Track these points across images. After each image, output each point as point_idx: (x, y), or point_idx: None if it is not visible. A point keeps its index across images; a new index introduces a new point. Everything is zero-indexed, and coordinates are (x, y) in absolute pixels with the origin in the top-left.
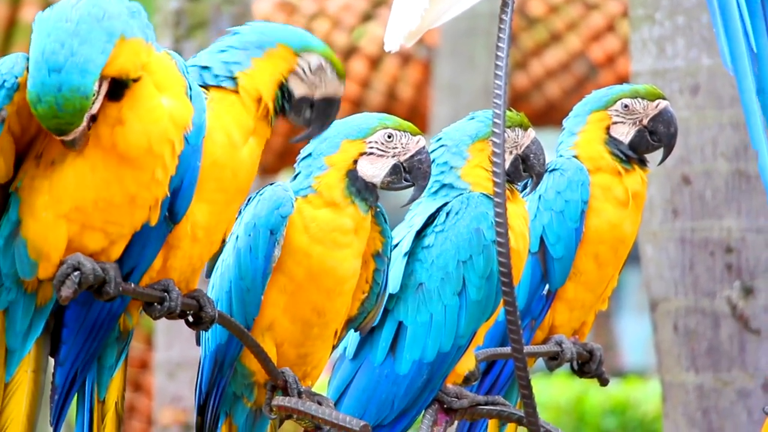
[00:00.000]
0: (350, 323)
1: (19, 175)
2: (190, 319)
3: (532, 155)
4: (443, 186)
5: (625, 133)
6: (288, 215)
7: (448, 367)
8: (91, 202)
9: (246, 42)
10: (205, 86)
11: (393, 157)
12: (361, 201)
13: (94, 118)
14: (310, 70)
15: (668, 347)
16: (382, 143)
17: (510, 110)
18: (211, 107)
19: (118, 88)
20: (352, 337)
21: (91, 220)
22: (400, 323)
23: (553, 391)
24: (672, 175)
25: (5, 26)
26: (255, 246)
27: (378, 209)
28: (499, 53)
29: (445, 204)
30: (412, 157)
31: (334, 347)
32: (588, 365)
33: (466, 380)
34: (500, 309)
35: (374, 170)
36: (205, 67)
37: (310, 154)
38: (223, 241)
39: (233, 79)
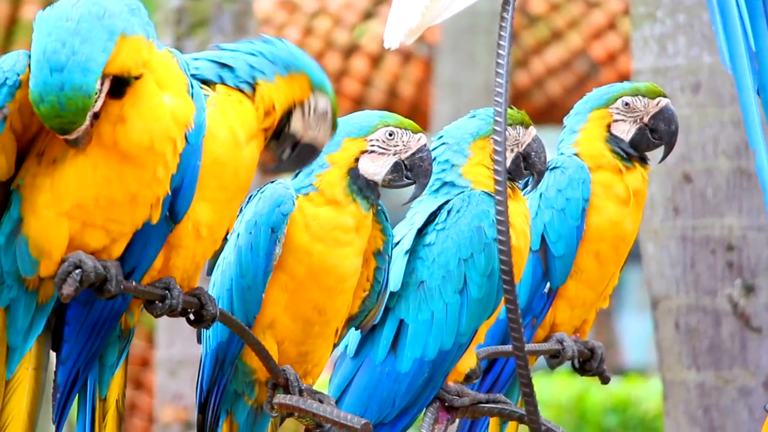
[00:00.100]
0: (351, 321)
1: (20, 173)
2: (192, 317)
3: (533, 153)
4: (444, 184)
5: (626, 131)
6: (289, 213)
7: (450, 366)
8: (92, 200)
9: (276, 56)
10: (215, 83)
11: (394, 155)
12: (363, 199)
13: (96, 116)
14: (315, 111)
15: (669, 345)
16: (384, 141)
17: (511, 108)
18: (216, 103)
19: (119, 86)
20: (354, 335)
21: (92, 218)
22: (402, 321)
23: (554, 389)
24: (673, 173)
25: (6, 24)
26: (256, 244)
27: (379, 207)
28: (500, 51)
29: (447, 202)
30: (413, 155)
31: (335, 345)
32: (589, 363)
33: (468, 378)
34: (501, 307)
35: (375, 168)
36: (226, 66)
37: None
38: (224, 239)
39: (252, 85)
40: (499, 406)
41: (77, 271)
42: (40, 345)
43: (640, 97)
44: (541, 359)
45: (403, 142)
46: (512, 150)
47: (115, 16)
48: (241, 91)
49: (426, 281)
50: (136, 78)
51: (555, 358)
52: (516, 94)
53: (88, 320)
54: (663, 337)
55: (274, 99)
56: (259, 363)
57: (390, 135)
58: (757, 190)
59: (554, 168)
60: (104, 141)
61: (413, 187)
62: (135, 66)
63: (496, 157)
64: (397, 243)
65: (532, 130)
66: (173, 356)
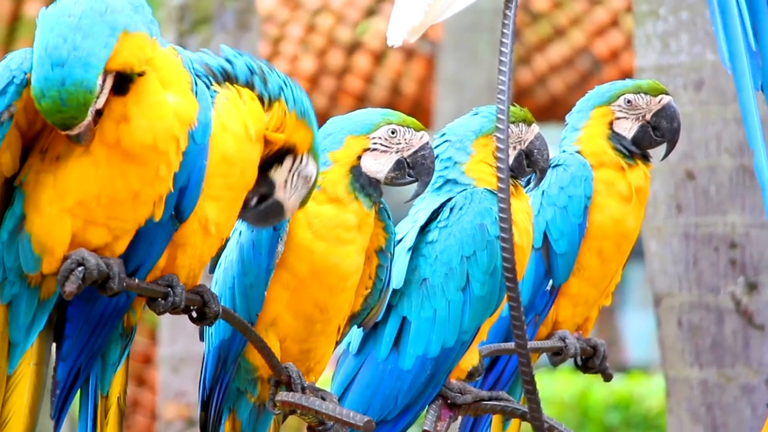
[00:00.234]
0: (354, 319)
1: (23, 170)
2: (194, 314)
3: (535, 150)
4: (447, 181)
5: (628, 129)
6: None
7: (452, 363)
8: (94, 198)
9: (300, 98)
10: (230, 82)
11: (396, 152)
12: (365, 197)
13: (99, 113)
14: (301, 171)
15: (672, 343)
16: (386, 139)
17: (514, 105)
18: (229, 97)
19: (123, 83)
20: (356, 333)
21: (94, 215)
22: (404, 319)
23: (557, 386)
24: (676, 170)
25: (9, 22)
26: (258, 242)
27: (381, 205)
28: (503, 49)
29: (449, 199)
30: (415, 152)
31: (338, 343)
32: (592, 360)
33: (470, 376)
34: (504, 304)
35: (378, 166)
36: (255, 73)
37: None
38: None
39: (271, 100)
40: (501, 403)
41: (80, 268)
42: (41, 341)
43: (643, 95)
44: (544, 357)
45: (405, 139)
46: (515, 147)
47: (118, 12)
48: (260, 99)
49: (429, 279)
50: (139, 75)
51: (557, 356)
52: (518, 92)
53: (90, 317)
54: (666, 335)
55: (286, 124)
56: (261, 360)
57: (392, 133)
58: (759, 188)
59: (557, 165)
60: (107, 139)
61: (415, 184)
62: (137, 62)
63: (499, 155)
64: (400, 240)
65: (535, 128)
66: (176, 353)
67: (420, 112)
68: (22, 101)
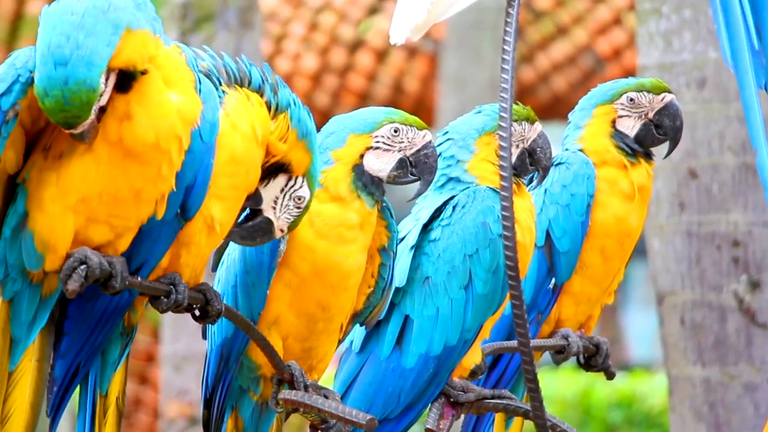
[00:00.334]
0: (356, 318)
1: (26, 167)
2: (197, 312)
3: (538, 149)
4: (450, 179)
5: (630, 127)
6: None
7: (455, 361)
8: (96, 196)
9: (304, 120)
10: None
11: (399, 151)
12: (368, 195)
13: (102, 110)
14: (294, 191)
15: (675, 341)
16: (389, 138)
17: (517, 104)
18: (238, 98)
19: (126, 80)
20: (359, 331)
21: (96, 213)
22: (407, 317)
23: (559, 384)
24: (679, 168)
25: (11, 20)
26: None
27: (384, 204)
28: (505, 47)
29: (452, 197)
30: (418, 151)
31: (340, 341)
32: (594, 359)
33: (473, 374)
34: (507, 303)
35: (380, 164)
36: (267, 82)
37: None
38: None
39: (278, 110)
40: (504, 401)
41: (82, 266)
42: (43, 337)
43: (645, 93)
44: (546, 355)
45: (408, 138)
46: (517, 146)
47: (120, 10)
48: (267, 106)
49: (431, 277)
50: (143, 73)
51: (560, 354)
52: (521, 90)
53: (91, 315)
54: (668, 333)
55: (288, 136)
56: (264, 358)
57: (395, 132)
58: (762, 186)
59: (559, 164)
60: (110, 137)
61: (418, 183)
62: (141, 60)
63: (502, 153)
64: (402, 239)
65: (538, 126)
66: (178, 351)
67: (423, 110)
68: (27, 99)
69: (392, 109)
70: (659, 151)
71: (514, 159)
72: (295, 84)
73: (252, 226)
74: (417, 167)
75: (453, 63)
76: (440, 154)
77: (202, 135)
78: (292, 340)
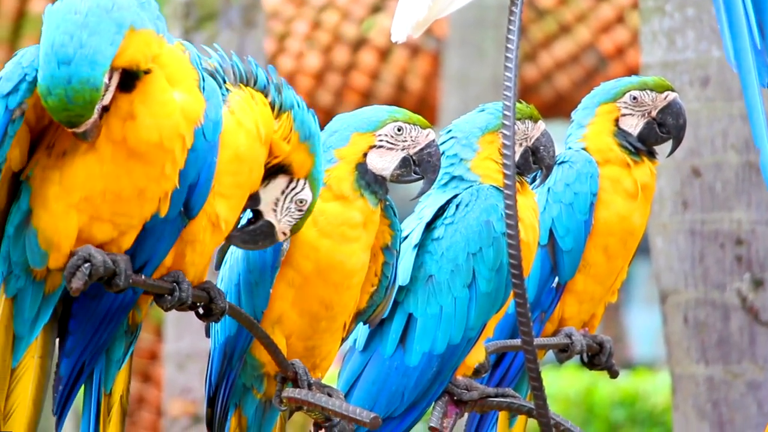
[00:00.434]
0: (359, 316)
1: (30, 164)
2: (201, 311)
3: (542, 147)
4: (453, 178)
5: (633, 125)
6: None
7: (458, 359)
8: (100, 194)
9: (306, 121)
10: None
11: (403, 150)
12: (371, 194)
13: (105, 109)
14: (296, 194)
15: (678, 339)
16: (392, 136)
17: (520, 102)
18: (243, 97)
19: (129, 80)
20: (362, 329)
21: (99, 211)
22: (410, 315)
23: (563, 382)
24: (682, 167)
25: (14, 18)
26: None
27: (387, 203)
28: (509, 45)
29: (455, 196)
30: (421, 150)
31: (343, 340)
32: (598, 357)
33: (476, 372)
34: (510, 301)
35: (384, 163)
36: (272, 83)
37: None
38: None
39: (281, 110)
40: (507, 400)
41: (86, 264)
42: (46, 334)
43: (648, 91)
44: (550, 353)
45: (411, 137)
46: (521, 144)
47: (124, 9)
48: (271, 106)
49: (435, 275)
50: (146, 72)
51: (564, 353)
52: (524, 88)
53: (95, 313)
54: (672, 331)
55: (291, 137)
56: (268, 357)
57: (399, 130)
58: (765, 185)
59: (562, 162)
60: (113, 136)
61: (421, 182)
62: (144, 60)
63: (505, 152)
64: (406, 237)
65: (541, 125)
66: (182, 350)
67: (425, 108)
68: (33, 98)
69: (396, 107)
70: (662, 149)
71: (517, 157)
72: (298, 82)
73: (254, 229)
74: (420, 166)
75: (456, 61)
76: (443, 153)
77: (205, 133)
78: (295, 339)
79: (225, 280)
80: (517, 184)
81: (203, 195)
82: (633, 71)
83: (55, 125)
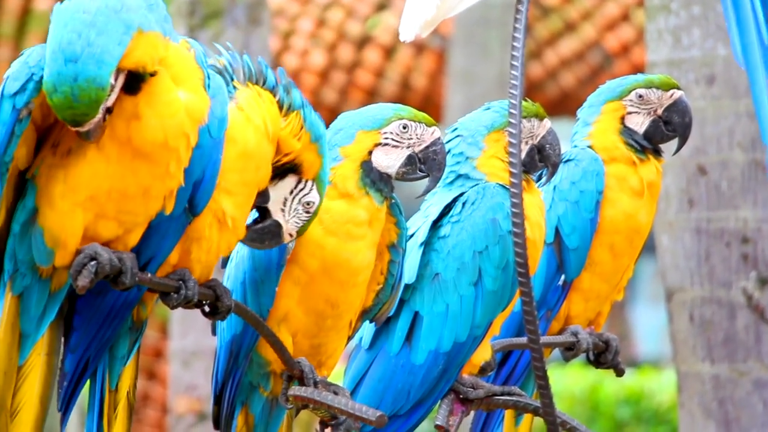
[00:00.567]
0: (365, 314)
1: (36, 162)
2: (207, 308)
3: (547, 145)
4: (459, 176)
5: (639, 123)
6: None
7: (464, 358)
8: (105, 193)
9: (315, 123)
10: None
11: (408, 148)
12: (376, 192)
13: (109, 111)
14: (303, 195)
15: (684, 337)
16: (397, 134)
17: (526, 100)
18: (250, 94)
19: (134, 82)
20: (368, 327)
21: (105, 209)
22: (416, 313)
23: (568, 380)
24: (688, 165)
25: (19, 15)
26: None
27: (393, 201)
28: (515, 44)
29: (461, 194)
30: (427, 147)
31: (349, 338)
32: (604, 356)
33: (482, 370)
34: (516, 299)
35: (389, 161)
36: (281, 83)
37: None
38: None
39: (290, 109)
40: (513, 398)
41: (92, 262)
42: (52, 331)
43: (654, 89)
44: (555, 351)
45: (417, 135)
46: (527, 142)
47: (133, 11)
48: (279, 105)
49: (441, 273)
50: (152, 75)
51: (570, 351)
52: (529, 86)
53: (100, 310)
54: (677, 330)
55: (302, 136)
56: (274, 355)
57: (404, 128)
58: None
59: (568, 160)
60: (118, 136)
61: (427, 180)
62: (150, 62)
63: (511, 150)
64: (412, 235)
65: (547, 123)
66: (187, 347)
67: (430, 106)
68: (40, 97)
69: (401, 105)
70: (668, 147)
71: (523, 156)
72: (302, 80)
73: (261, 228)
74: (426, 164)
75: (460, 59)
76: (449, 151)
77: (210, 131)
78: (301, 337)
79: (231, 278)
80: (523, 183)
81: (208, 192)
82: (638, 69)
83: (61, 124)
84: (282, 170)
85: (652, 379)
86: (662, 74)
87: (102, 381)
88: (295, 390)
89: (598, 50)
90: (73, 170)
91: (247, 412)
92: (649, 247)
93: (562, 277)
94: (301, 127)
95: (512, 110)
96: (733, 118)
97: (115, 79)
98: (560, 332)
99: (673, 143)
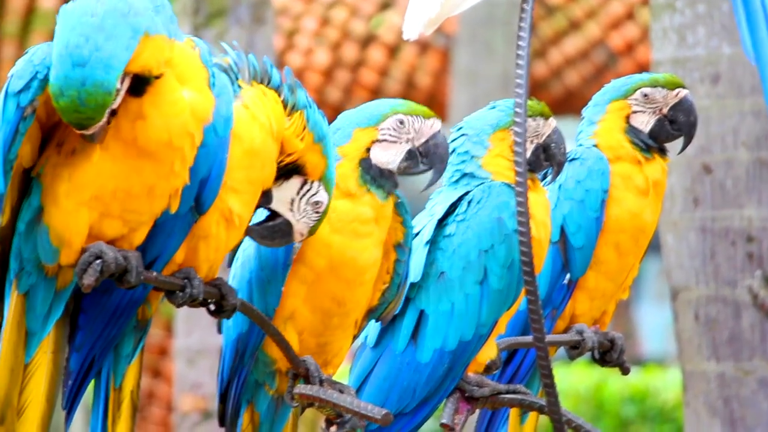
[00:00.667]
0: (371, 313)
1: (41, 161)
2: (212, 307)
3: (553, 144)
4: (464, 175)
5: (645, 122)
6: None
7: (470, 356)
8: (110, 192)
9: (319, 123)
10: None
11: (407, 142)
12: (377, 188)
13: (114, 112)
14: (310, 196)
15: (689, 336)
16: (395, 129)
17: (531, 99)
18: (255, 93)
19: (139, 84)
20: (373, 326)
21: (110, 208)
22: (422, 312)
23: (573, 379)
24: (693, 164)
25: (24, 14)
26: None
27: (399, 199)
28: (520, 42)
29: (467, 193)
30: (427, 141)
31: (355, 337)
32: (609, 354)
33: (488, 369)
34: (522, 298)
35: (388, 157)
36: (285, 84)
37: None
38: None
39: (294, 109)
40: (519, 396)
41: (98, 261)
42: (58, 329)
43: (659, 88)
44: (561, 350)
45: (414, 129)
46: (532, 141)
47: (140, 14)
48: (284, 104)
49: (446, 272)
50: (157, 77)
51: (575, 349)
52: (534, 85)
53: (105, 308)
54: (683, 329)
55: (305, 136)
56: (280, 353)
57: (401, 123)
58: None
59: (573, 159)
60: (123, 136)
61: (431, 173)
62: (156, 66)
63: (516, 149)
64: (417, 234)
65: (552, 122)
66: (192, 345)
67: (435, 104)
68: (44, 95)
69: (400, 100)
70: (673, 146)
71: (528, 155)
72: (306, 79)
73: (272, 226)
74: (427, 157)
75: (465, 58)
76: (454, 150)
77: (216, 129)
78: (307, 335)
79: (237, 277)
80: (529, 181)
81: (214, 190)
82: (643, 68)
83: (65, 123)
84: (286, 171)
85: (657, 377)
86: (667, 73)
87: (107, 379)
88: (301, 388)
89: (603, 49)
90: (77, 169)
91: (253, 410)
92: (654, 246)
93: (568, 275)
94: (304, 127)
95: (517, 109)
96: (738, 116)
97: (121, 83)
98: (565, 331)
99: (678, 142)
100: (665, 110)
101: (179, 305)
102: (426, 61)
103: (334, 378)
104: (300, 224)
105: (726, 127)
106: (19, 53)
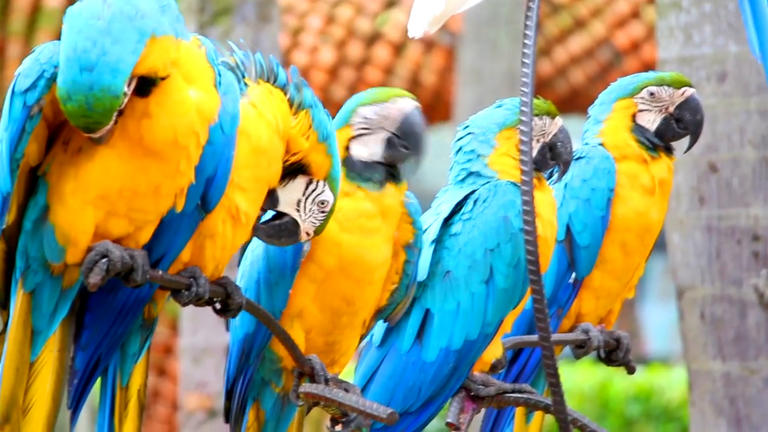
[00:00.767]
0: (379, 314)
1: (47, 159)
2: (218, 306)
3: (559, 143)
4: (470, 174)
5: (651, 121)
6: None
7: (475, 355)
8: (115, 191)
9: (324, 122)
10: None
11: (382, 130)
12: (366, 182)
13: (120, 113)
14: (316, 195)
15: (695, 335)
16: (364, 122)
17: (537, 98)
18: (261, 92)
19: (146, 85)
20: (379, 325)
21: (116, 207)
22: (427, 311)
23: (577, 378)
24: (699, 162)
25: (29, 12)
26: None
27: (410, 200)
28: (526, 41)
29: (473, 192)
30: (400, 126)
31: (363, 337)
32: (615, 353)
33: (493, 368)
34: (527, 297)
35: (369, 150)
36: (291, 83)
37: None
38: None
39: (299, 108)
40: (524, 395)
41: (104, 260)
42: (64, 328)
43: (666, 87)
44: (566, 349)
45: (383, 116)
46: (538, 140)
47: (147, 16)
48: (289, 103)
49: (452, 271)
50: (163, 78)
51: (580, 348)
52: (539, 83)
53: (111, 307)
54: (688, 327)
55: (310, 135)
56: (286, 351)
57: (366, 117)
58: None
59: (579, 158)
60: (129, 135)
61: (433, 173)
62: (163, 67)
63: (523, 148)
64: (423, 232)
65: (558, 121)
66: (197, 344)
67: (440, 103)
68: (51, 94)
69: (365, 93)
70: (680, 145)
71: (534, 153)
72: (312, 77)
73: (279, 224)
74: (406, 140)
75: (470, 56)
76: (461, 149)
77: (222, 127)
78: (315, 334)
79: (245, 277)
80: (535, 180)
81: (221, 188)
82: (648, 66)
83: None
84: (291, 170)
85: (662, 376)
86: (674, 72)
87: (113, 378)
88: (306, 387)
89: (609, 47)
90: (84, 168)
91: (259, 408)
92: (660, 245)
93: (573, 274)
94: (309, 127)
95: (523, 108)
96: (744, 115)
97: (128, 86)
98: (571, 330)
99: (685, 141)
100: (671, 109)
101: (185, 304)
102: (431, 59)
103: (340, 377)
104: (307, 224)
105: (732, 126)
106: (25, 52)
